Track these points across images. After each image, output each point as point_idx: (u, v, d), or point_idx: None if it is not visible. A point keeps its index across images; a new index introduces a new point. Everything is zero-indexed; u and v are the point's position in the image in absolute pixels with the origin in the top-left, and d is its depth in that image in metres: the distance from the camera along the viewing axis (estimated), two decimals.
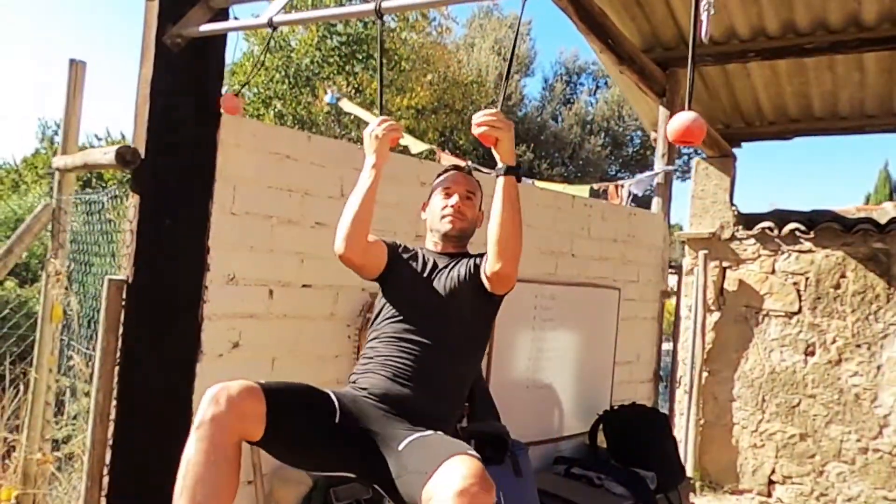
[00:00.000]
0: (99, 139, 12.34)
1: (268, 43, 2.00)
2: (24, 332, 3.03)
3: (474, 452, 1.42)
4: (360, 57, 10.78)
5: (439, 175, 2.04)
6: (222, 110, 2.05)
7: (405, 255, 1.94)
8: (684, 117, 1.13)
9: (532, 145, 14.54)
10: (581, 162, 15.31)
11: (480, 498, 1.30)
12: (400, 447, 1.55)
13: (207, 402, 1.47)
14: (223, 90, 2.19)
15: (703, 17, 1.14)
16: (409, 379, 1.71)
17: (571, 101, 16.88)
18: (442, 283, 1.83)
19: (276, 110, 10.47)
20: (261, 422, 1.49)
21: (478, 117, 1.63)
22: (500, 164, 1.64)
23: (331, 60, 10.64)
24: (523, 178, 2.03)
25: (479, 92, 12.86)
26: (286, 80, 10.63)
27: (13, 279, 6.41)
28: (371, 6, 1.53)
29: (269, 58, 10.59)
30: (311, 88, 10.39)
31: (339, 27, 10.86)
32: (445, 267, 1.87)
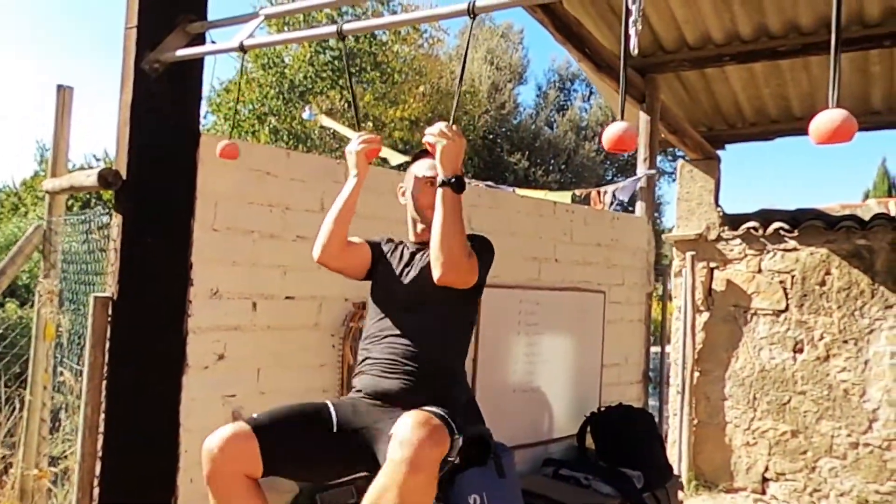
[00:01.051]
0: (98, 159, 12.49)
1: (242, 66, 2.08)
2: (20, 352, 3.11)
3: (430, 409, 1.59)
4: (353, 71, 10.91)
5: (417, 158, 2.09)
6: (219, 156, 1.99)
7: (387, 251, 2.08)
8: (617, 127, 1.20)
9: (527, 153, 14.64)
10: (577, 168, 15.40)
11: (424, 442, 1.50)
12: (390, 431, 1.66)
13: (205, 459, 1.63)
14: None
15: (632, 31, 1.21)
16: (394, 372, 1.85)
17: (565, 107, 17.00)
18: (415, 276, 1.94)
19: (272, 126, 10.59)
20: (257, 460, 1.65)
21: (431, 128, 1.74)
22: (440, 176, 1.73)
23: (324, 75, 10.77)
24: (504, 187, 2.12)
25: (472, 102, 12.99)
26: (280, 96, 10.77)
27: (14, 301, 6.51)
28: (333, 28, 1.61)
29: (263, 74, 10.74)
30: (305, 103, 10.52)
31: (332, 42, 11.01)
32: (420, 257, 1.99)
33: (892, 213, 4.87)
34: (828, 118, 1.02)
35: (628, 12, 1.24)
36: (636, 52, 1.21)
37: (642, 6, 1.19)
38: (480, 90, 14.15)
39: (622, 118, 1.22)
